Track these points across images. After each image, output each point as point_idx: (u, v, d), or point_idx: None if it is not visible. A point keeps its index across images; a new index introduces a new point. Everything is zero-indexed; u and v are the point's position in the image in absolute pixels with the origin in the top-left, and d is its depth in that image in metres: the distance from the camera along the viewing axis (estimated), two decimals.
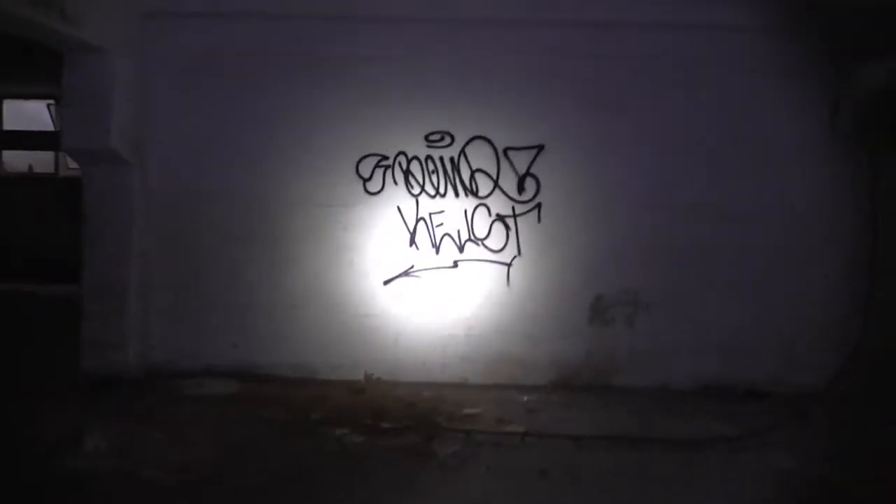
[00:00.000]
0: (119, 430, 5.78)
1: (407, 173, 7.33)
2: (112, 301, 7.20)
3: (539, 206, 7.28)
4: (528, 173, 7.27)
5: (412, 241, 7.35)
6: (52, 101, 13.42)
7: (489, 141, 7.29)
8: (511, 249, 7.30)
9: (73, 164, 12.01)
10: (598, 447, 5.73)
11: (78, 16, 6.02)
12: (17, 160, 14.23)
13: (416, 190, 7.34)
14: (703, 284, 7.27)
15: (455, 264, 7.35)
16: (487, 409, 6.53)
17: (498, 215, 7.31)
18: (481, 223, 7.33)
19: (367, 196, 7.34)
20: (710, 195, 7.21)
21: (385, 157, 7.33)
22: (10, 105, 13.90)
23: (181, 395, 6.81)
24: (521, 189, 7.29)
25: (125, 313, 7.22)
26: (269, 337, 7.33)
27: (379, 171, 7.33)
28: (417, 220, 7.34)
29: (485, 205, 7.31)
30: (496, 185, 7.29)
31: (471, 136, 7.29)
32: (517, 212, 7.29)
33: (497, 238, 7.32)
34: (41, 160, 13.98)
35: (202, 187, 7.33)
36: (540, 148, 7.26)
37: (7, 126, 13.94)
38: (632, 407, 6.71)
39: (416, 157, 7.32)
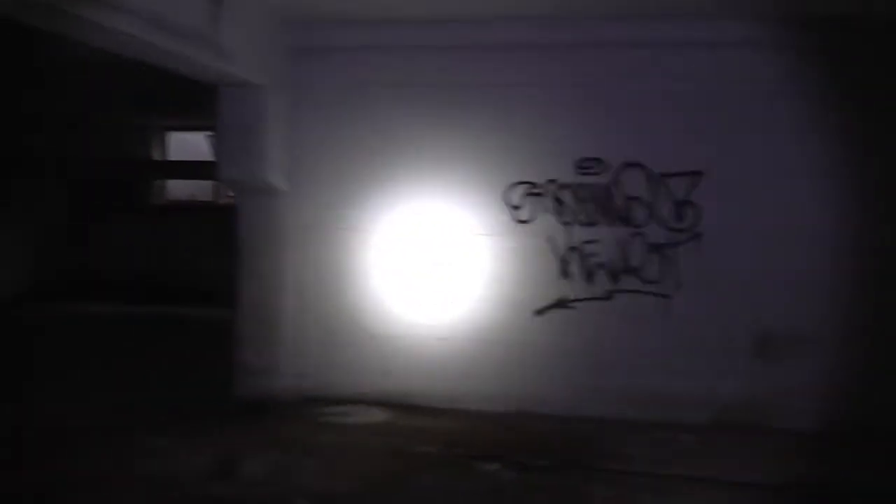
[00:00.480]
0: (270, 457, 5.89)
1: (558, 201, 7.15)
2: (266, 328, 7.38)
3: (699, 235, 6.90)
4: (686, 201, 6.93)
5: (564, 271, 7.14)
6: (210, 133, 14.11)
7: (643, 167, 7.00)
8: (669, 280, 6.95)
9: (230, 193, 12.58)
10: (768, 497, 5.32)
11: (232, 52, 6.20)
12: (182, 189, 15.12)
13: (568, 218, 7.14)
14: (880, 322, 6.64)
15: (609, 295, 7.08)
16: (644, 448, 6.22)
17: (654, 245, 6.98)
18: (636, 253, 7.02)
19: (516, 225, 7.22)
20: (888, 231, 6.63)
21: (535, 185, 7.19)
22: (174, 136, 14.81)
23: (332, 423, 6.88)
24: (679, 217, 6.95)
25: (279, 341, 7.40)
26: (420, 367, 7.30)
27: (528, 200, 7.20)
28: (569, 250, 7.14)
29: (640, 234, 7.01)
30: (652, 213, 6.99)
31: (624, 163, 7.02)
32: (675, 241, 6.95)
33: (653, 268, 6.99)
34: (203, 188, 14.76)
35: (350, 218, 7.44)
36: (698, 174, 6.90)
37: (171, 156, 14.87)
38: (800, 451, 6.18)
39: (567, 185, 7.13)
